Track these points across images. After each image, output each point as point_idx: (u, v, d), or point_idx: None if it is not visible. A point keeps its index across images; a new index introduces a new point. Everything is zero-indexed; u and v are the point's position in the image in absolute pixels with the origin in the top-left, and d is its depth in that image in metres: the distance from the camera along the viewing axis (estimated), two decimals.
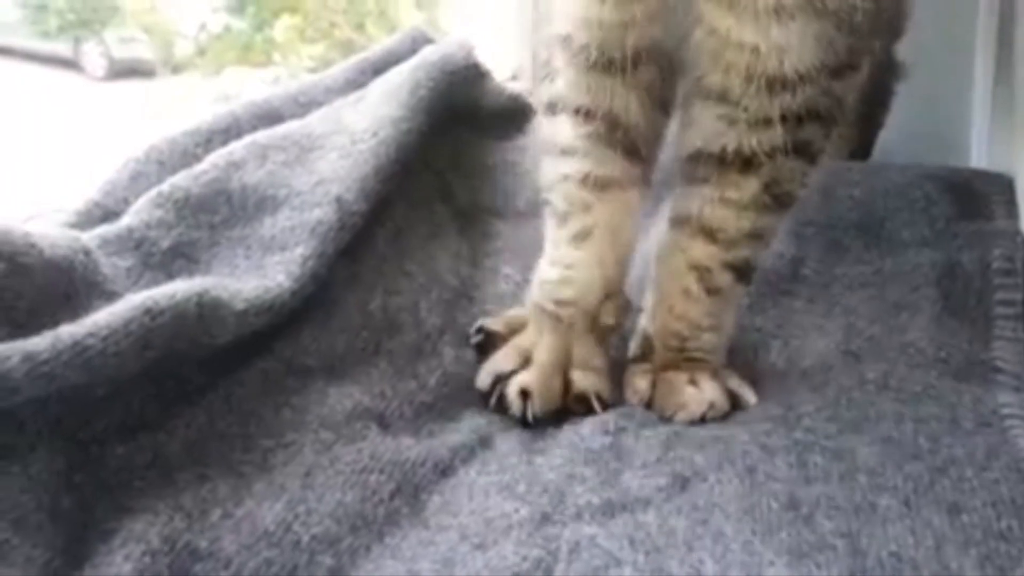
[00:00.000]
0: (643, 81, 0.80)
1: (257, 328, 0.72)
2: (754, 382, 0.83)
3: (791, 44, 0.73)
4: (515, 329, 0.85)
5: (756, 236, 0.80)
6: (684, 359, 0.82)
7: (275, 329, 0.75)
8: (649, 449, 0.73)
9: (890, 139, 1.20)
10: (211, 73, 2.28)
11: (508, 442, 0.76)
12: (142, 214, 0.78)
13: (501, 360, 0.82)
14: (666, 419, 0.79)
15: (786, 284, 0.92)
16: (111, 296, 0.69)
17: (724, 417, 0.79)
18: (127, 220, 0.78)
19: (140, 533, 0.58)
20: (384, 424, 0.74)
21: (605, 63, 0.79)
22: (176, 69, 2.32)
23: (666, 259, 0.83)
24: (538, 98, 0.88)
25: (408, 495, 0.68)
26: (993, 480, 0.65)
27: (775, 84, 0.74)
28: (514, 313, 0.87)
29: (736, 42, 0.74)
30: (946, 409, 0.75)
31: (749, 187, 0.78)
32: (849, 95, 0.81)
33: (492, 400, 0.80)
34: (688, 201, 0.81)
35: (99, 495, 0.61)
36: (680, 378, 0.81)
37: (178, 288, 0.66)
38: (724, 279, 0.81)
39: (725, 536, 0.62)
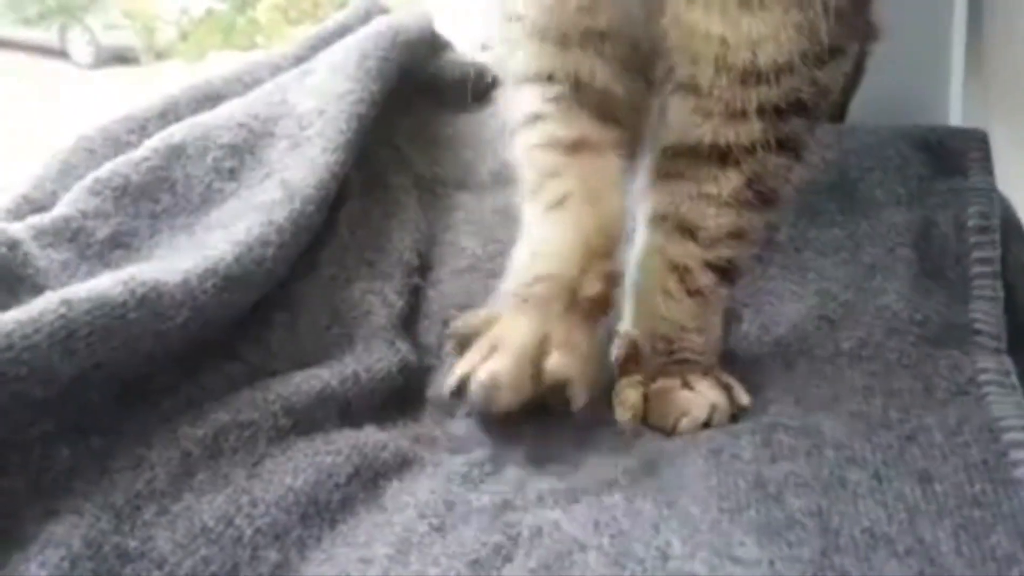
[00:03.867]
0: (615, 55, 0.75)
1: (209, 302, 0.66)
2: (726, 355, 0.79)
3: (764, 35, 0.68)
4: (490, 322, 0.74)
5: (738, 235, 0.75)
6: (674, 362, 0.76)
7: (239, 334, 0.71)
8: (616, 436, 0.71)
9: (864, 100, 1.17)
10: (194, 58, 2.24)
11: (473, 435, 0.72)
12: (78, 203, 0.75)
13: (470, 357, 0.71)
14: (669, 433, 0.73)
15: (759, 250, 0.89)
16: (43, 290, 0.64)
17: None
18: (61, 209, 0.74)
19: (61, 537, 0.54)
20: (347, 414, 0.71)
21: (565, 41, 0.74)
22: (160, 55, 2.28)
23: (644, 260, 0.77)
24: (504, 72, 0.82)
25: (366, 479, 0.65)
26: (963, 443, 0.63)
27: (748, 77, 0.70)
28: (487, 313, 0.76)
29: (703, 33, 0.69)
30: (920, 379, 0.72)
31: (729, 182, 0.73)
32: (837, 82, 0.76)
33: (461, 399, 0.71)
34: (665, 197, 0.76)
35: (29, 500, 0.57)
36: (673, 384, 0.75)
37: (102, 278, 0.62)
38: (705, 280, 0.75)
39: (692, 517, 0.59)
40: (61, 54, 2.46)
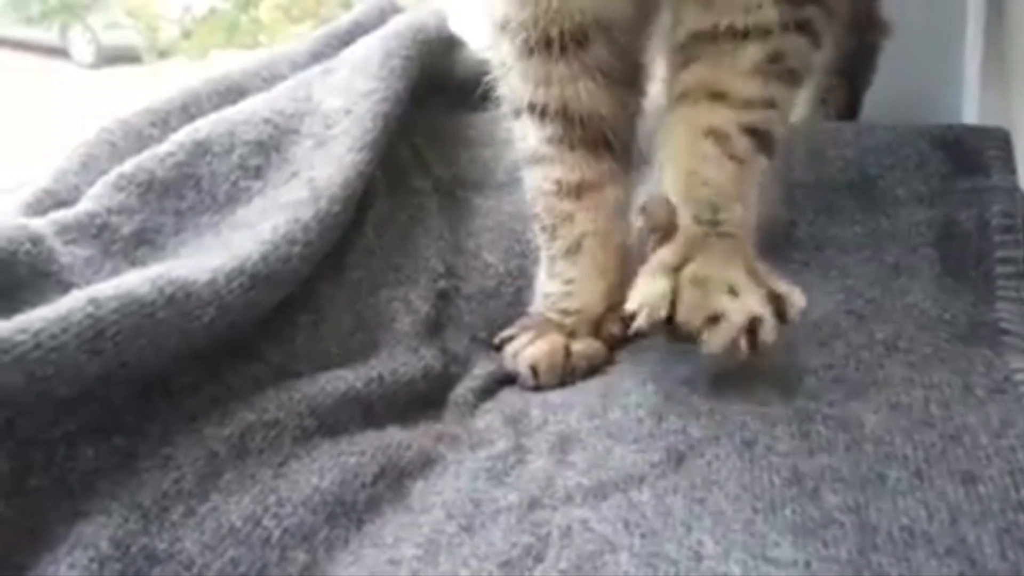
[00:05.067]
0: (592, 62, 0.77)
1: (235, 301, 0.66)
2: None
3: None
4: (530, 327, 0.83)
5: (768, 104, 0.75)
6: (717, 234, 0.71)
7: (264, 334, 0.71)
8: (639, 422, 0.69)
9: (877, 98, 1.17)
10: (197, 57, 2.24)
11: (495, 429, 0.72)
12: (102, 198, 0.74)
13: (516, 342, 0.81)
14: (692, 340, 0.66)
15: (779, 247, 0.88)
16: (68, 287, 0.65)
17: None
18: (86, 204, 0.74)
19: (89, 538, 0.54)
20: (370, 415, 0.71)
21: (545, 44, 0.76)
22: (163, 54, 2.28)
23: (677, 132, 0.75)
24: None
25: (392, 479, 0.65)
26: (1009, 447, 0.62)
27: None
28: (526, 319, 0.85)
29: None
30: (958, 374, 0.71)
31: (748, 55, 0.74)
32: None
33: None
34: (688, 76, 0.75)
35: (56, 499, 0.56)
36: (712, 288, 0.67)
37: (129, 276, 0.61)
38: (743, 145, 0.74)
39: (725, 515, 0.58)
40: (62, 53, 2.46)
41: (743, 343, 0.66)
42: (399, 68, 0.89)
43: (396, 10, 1.05)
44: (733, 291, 0.67)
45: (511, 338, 0.82)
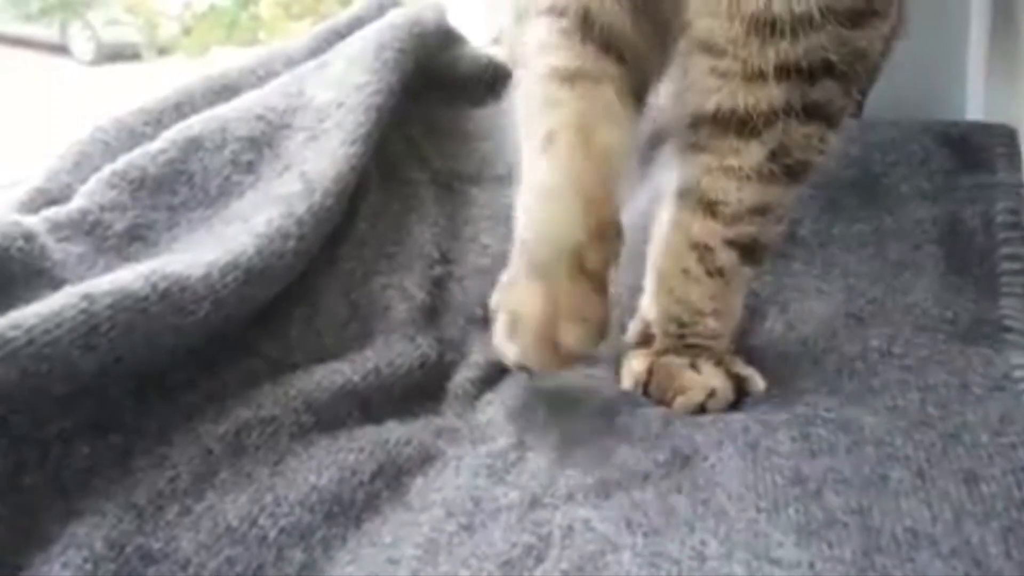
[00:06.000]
0: None
1: (230, 296, 0.65)
2: (751, 352, 0.78)
3: None
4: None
5: (762, 211, 0.72)
6: (684, 346, 0.76)
7: (259, 329, 0.70)
8: (646, 425, 0.69)
9: (881, 94, 1.16)
10: (197, 53, 2.23)
11: (496, 424, 0.71)
12: (95, 195, 0.73)
13: (497, 332, 0.72)
14: (664, 405, 0.74)
15: (782, 246, 0.87)
16: (60, 284, 0.64)
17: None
18: (78, 202, 0.73)
19: (83, 538, 0.53)
20: (368, 409, 0.70)
21: None
22: (163, 51, 2.27)
23: (665, 237, 0.75)
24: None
25: (390, 476, 0.64)
26: (1010, 445, 0.61)
27: (762, 27, 0.65)
28: (508, 281, 0.76)
29: None
30: (955, 375, 0.70)
31: (751, 154, 0.70)
32: (874, 47, 0.71)
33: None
34: (688, 170, 0.73)
35: (50, 498, 0.55)
36: (680, 362, 0.75)
37: (123, 272, 0.60)
38: (726, 259, 0.73)
39: (728, 515, 0.58)
40: (62, 50, 2.45)
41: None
42: (392, 60, 0.88)
43: (396, 5, 1.04)
44: (696, 367, 0.75)
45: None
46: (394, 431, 0.68)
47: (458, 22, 1.08)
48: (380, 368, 0.72)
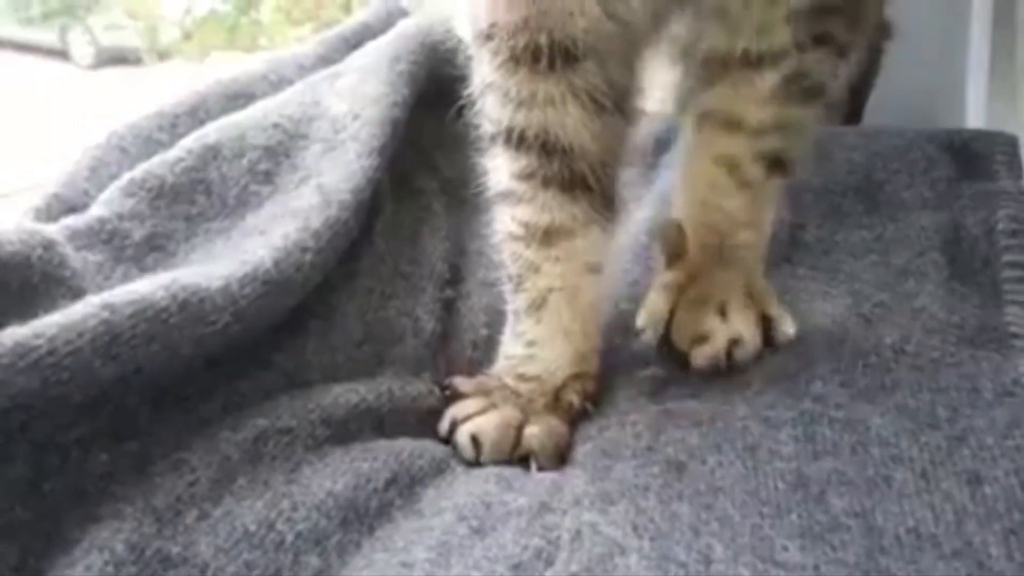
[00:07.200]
0: (582, 83, 0.71)
1: (249, 308, 0.66)
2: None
3: None
4: (484, 391, 0.75)
5: (784, 127, 0.75)
6: (723, 259, 0.75)
7: (275, 342, 0.71)
8: (637, 437, 0.68)
9: (884, 102, 1.17)
10: (197, 58, 2.24)
11: None
12: (113, 204, 0.74)
13: (464, 406, 0.74)
14: (682, 356, 0.72)
15: (786, 251, 0.88)
16: (79, 293, 0.65)
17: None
18: (97, 210, 0.74)
19: (104, 541, 0.54)
20: (382, 427, 0.71)
21: (533, 55, 0.70)
22: (163, 55, 2.28)
23: (691, 159, 0.77)
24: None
25: (403, 485, 0.65)
26: (1015, 448, 0.62)
27: None
28: (484, 379, 0.77)
29: None
30: (966, 378, 0.70)
31: (764, 81, 0.73)
32: None
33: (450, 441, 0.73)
34: (707, 99, 0.76)
35: (70, 503, 0.57)
36: (707, 297, 0.73)
37: (143, 283, 0.61)
38: (755, 172, 0.75)
39: (732, 520, 0.59)
40: (62, 54, 2.46)
41: (723, 361, 0.73)
42: (407, 73, 0.90)
43: (403, 13, 1.05)
44: (724, 312, 0.73)
45: (460, 396, 0.75)
46: (407, 445, 0.69)
47: (464, 32, 1.09)
48: (393, 391, 0.74)
